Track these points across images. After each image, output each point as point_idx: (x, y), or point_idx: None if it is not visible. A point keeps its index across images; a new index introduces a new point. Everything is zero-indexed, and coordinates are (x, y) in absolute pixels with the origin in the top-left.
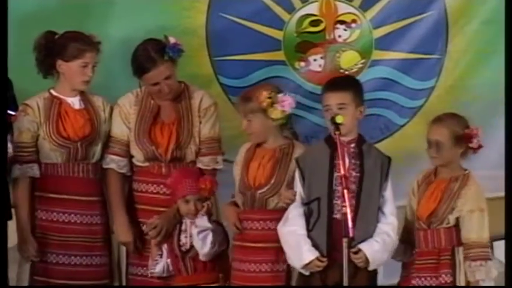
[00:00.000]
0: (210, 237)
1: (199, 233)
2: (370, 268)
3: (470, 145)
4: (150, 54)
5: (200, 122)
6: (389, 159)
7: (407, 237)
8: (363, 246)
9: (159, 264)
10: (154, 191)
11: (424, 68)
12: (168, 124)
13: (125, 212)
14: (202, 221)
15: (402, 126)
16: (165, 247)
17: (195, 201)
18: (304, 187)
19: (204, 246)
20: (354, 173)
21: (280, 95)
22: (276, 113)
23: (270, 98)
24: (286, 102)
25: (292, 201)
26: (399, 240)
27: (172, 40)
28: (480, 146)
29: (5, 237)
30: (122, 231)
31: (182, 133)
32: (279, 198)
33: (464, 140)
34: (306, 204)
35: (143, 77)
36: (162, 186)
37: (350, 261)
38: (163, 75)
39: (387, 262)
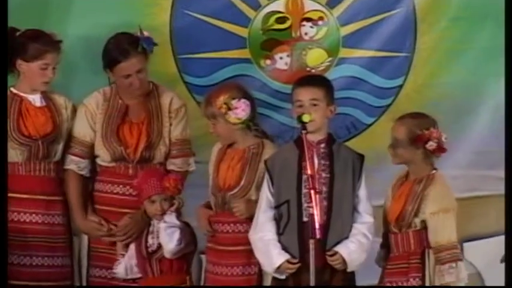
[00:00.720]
0: (177, 234)
1: (166, 228)
2: (349, 270)
3: (427, 147)
4: (123, 46)
5: (171, 124)
6: (362, 157)
7: (386, 242)
8: (339, 248)
9: (121, 264)
10: (120, 192)
11: (392, 66)
12: (137, 124)
13: (85, 214)
14: (171, 218)
15: (370, 125)
16: (131, 248)
17: (161, 201)
18: (274, 190)
19: (170, 242)
20: (324, 174)
21: (234, 101)
22: (232, 119)
23: (226, 104)
24: (240, 110)
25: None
26: (380, 246)
27: (145, 33)
28: (441, 149)
29: (5, 237)
30: (81, 226)
31: (152, 133)
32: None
33: (420, 141)
34: (276, 207)
35: (115, 68)
36: (128, 187)
37: (326, 264)
38: (136, 67)
39: (365, 263)
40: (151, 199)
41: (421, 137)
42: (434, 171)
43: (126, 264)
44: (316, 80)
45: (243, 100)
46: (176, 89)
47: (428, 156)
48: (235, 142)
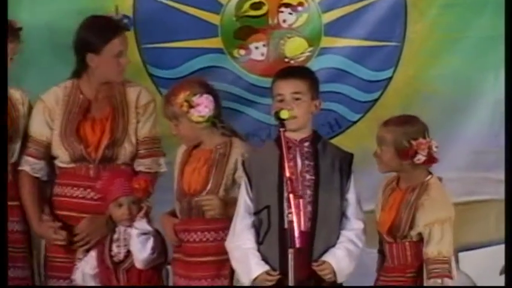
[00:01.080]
0: (150, 242)
1: (139, 235)
2: (338, 280)
3: (415, 161)
4: (110, 23)
5: (138, 121)
6: (350, 156)
7: (382, 248)
8: (327, 257)
9: (78, 270)
10: (81, 196)
11: (380, 57)
12: (100, 119)
13: (40, 219)
14: (142, 224)
15: (355, 122)
16: (91, 255)
17: (129, 204)
18: (252, 194)
19: (143, 250)
20: (308, 176)
21: (195, 98)
22: (195, 118)
23: (187, 101)
24: (202, 106)
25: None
26: (377, 251)
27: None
28: (431, 160)
29: (5, 237)
30: (38, 232)
31: (117, 129)
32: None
33: (406, 156)
34: (255, 214)
35: (105, 48)
36: (89, 190)
37: (311, 275)
38: (124, 45)
39: (356, 273)
40: (118, 202)
41: (407, 152)
42: (428, 177)
43: (82, 270)
44: (299, 72)
45: (205, 96)
46: (140, 82)
47: (418, 166)
48: (202, 142)
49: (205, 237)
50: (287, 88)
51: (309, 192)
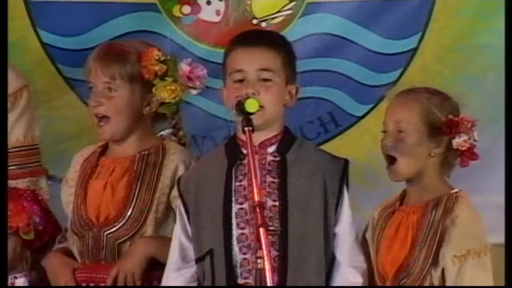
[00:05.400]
0: None
1: None
2: None
3: (455, 145)
4: None
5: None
6: (343, 165)
7: None
8: None
9: None
10: None
11: (398, 17)
12: None
13: None
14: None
15: (361, 117)
16: None
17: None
18: (191, 230)
19: None
20: (270, 201)
21: (183, 63)
22: (169, 92)
23: (163, 62)
24: (202, 73)
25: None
26: None
27: None
28: (472, 153)
29: (5, 237)
30: None
31: None
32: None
33: (447, 130)
34: (196, 261)
35: None
36: None
37: None
38: None
39: None
40: None
41: (449, 124)
42: (456, 191)
43: None
44: (270, 39)
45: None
46: (25, 55)
47: (445, 166)
48: (119, 143)
49: None
50: (251, 62)
51: (274, 225)
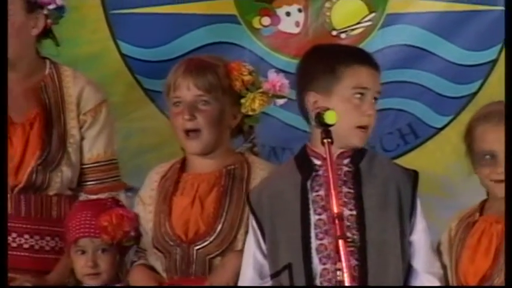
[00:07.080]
0: None
1: None
2: None
3: None
4: None
5: (83, 136)
6: (414, 175)
7: None
8: None
9: None
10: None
11: (480, 28)
12: (22, 125)
13: None
14: None
15: (441, 129)
16: None
17: (93, 251)
18: (266, 246)
19: None
20: (347, 211)
21: (273, 71)
22: (260, 103)
23: (251, 74)
24: (287, 83)
25: None
26: None
27: None
28: None
29: (5, 237)
30: None
31: (49, 140)
32: None
33: None
34: (272, 277)
35: None
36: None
37: None
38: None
39: None
40: (79, 246)
41: None
42: None
43: None
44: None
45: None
46: (104, 66)
47: None
48: (201, 158)
49: None
50: (369, 80)
51: (349, 235)
